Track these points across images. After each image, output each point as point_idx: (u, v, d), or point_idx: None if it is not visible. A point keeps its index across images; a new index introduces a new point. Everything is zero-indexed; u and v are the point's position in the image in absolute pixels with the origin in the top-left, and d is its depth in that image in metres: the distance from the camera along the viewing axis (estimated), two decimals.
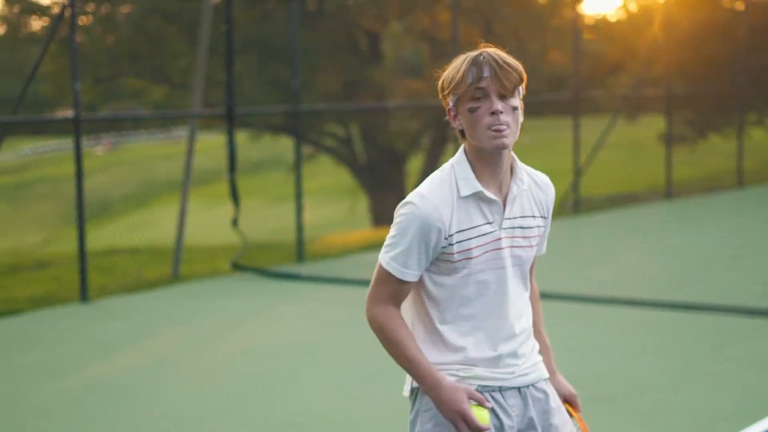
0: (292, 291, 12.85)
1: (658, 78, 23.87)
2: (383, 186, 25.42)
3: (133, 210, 34.30)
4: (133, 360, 9.68)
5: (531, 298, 3.93)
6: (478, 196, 3.64)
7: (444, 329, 3.70)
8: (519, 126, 3.59)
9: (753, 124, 27.26)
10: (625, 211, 20.42)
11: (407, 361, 3.64)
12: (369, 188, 26.32)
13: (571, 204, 20.16)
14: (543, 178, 3.83)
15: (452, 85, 3.61)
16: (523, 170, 3.76)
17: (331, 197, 31.61)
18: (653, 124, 27.38)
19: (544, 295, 11.80)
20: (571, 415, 3.96)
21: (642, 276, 13.38)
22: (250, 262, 14.39)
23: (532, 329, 3.88)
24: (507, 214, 3.68)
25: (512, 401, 3.74)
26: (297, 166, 15.30)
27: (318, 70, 21.63)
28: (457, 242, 3.62)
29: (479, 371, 3.68)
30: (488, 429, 3.60)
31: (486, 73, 3.53)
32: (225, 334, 10.61)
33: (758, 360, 9.22)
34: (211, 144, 31.10)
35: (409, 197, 3.65)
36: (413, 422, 3.77)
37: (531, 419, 3.75)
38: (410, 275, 3.66)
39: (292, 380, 8.87)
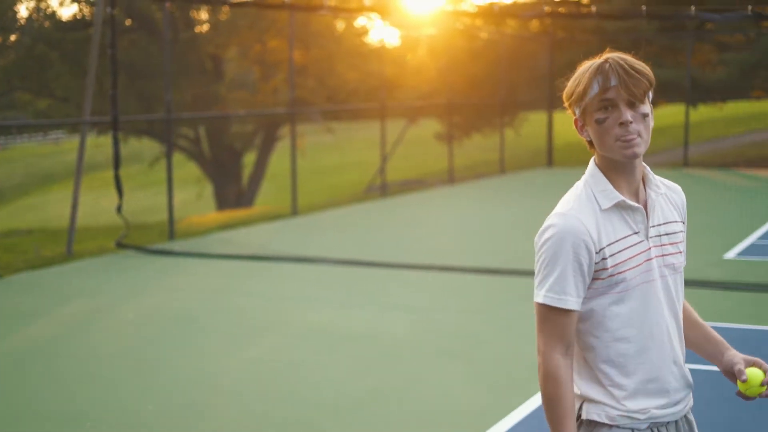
0: (168, 265, 12.03)
1: (431, 91, 24.18)
2: (225, 176, 25.43)
3: (22, 197, 32.73)
4: (43, 329, 8.79)
5: (690, 307, 2.99)
6: (620, 206, 2.71)
7: (603, 366, 2.74)
8: (650, 132, 2.72)
9: (507, 126, 27.46)
10: (420, 193, 20.14)
11: (565, 426, 2.67)
12: (213, 178, 26.05)
13: (379, 187, 19.93)
14: (674, 185, 2.92)
15: (576, 96, 2.71)
16: (655, 176, 2.85)
17: (182, 186, 30.92)
18: (430, 126, 27.40)
19: (373, 265, 11.51)
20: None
21: (446, 246, 13.07)
22: (131, 241, 13.53)
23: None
24: (651, 222, 2.75)
25: None
26: (168, 161, 14.53)
27: (175, 87, 21.09)
28: (610, 256, 2.68)
29: (654, 411, 2.75)
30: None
31: (613, 82, 2.64)
32: (119, 303, 9.74)
33: None
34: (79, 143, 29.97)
35: (548, 221, 2.71)
36: None
37: None
38: (572, 302, 2.67)
39: (181, 343, 8.14)
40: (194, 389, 6.80)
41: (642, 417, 2.73)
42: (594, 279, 2.70)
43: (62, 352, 7.94)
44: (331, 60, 23.64)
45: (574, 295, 2.68)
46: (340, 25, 25.09)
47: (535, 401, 6.32)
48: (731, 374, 2.86)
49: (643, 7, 12.06)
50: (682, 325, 2.85)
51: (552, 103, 26.59)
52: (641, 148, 2.67)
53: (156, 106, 19.81)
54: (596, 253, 2.68)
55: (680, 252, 2.81)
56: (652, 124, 2.72)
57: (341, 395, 6.61)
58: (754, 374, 2.75)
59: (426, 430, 5.92)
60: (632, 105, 2.67)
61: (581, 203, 2.73)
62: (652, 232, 2.76)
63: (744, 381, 2.78)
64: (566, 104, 2.79)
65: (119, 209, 13.47)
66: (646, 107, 2.69)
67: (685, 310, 2.93)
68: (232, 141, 24.73)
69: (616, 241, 2.70)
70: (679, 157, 25.70)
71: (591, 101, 2.69)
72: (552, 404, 2.68)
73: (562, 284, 2.67)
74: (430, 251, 12.48)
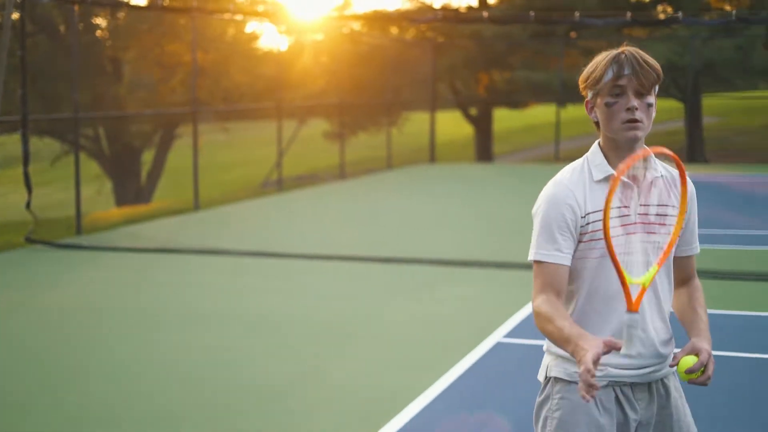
0: (77, 259, 11.64)
1: (320, 93, 24.20)
2: (124, 173, 24.85)
3: None
4: None
5: (694, 293, 2.99)
6: (611, 180, 2.78)
7: (581, 321, 2.82)
8: (652, 120, 2.82)
9: (392, 125, 27.54)
10: (314, 188, 20.00)
11: (558, 332, 2.67)
12: (112, 175, 25.45)
13: (275, 182, 19.76)
14: (688, 182, 2.89)
15: (591, 81, 2.82)
16: (658, 162, 2.92)
17: (82, 183, 30.05)
18: (318, 126, 27.30)
19: (278, 255, 11.37)
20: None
21: (343, 237, 13.01)
22: (40, 237, 13.07)
23: (667, 324, 2.93)
24: (642, 201, 2.83)
25: (640, 395, 2.89)
26: (76, 158, 14.13)
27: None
28: (593, 222, 2.78)
29: (611, 369, 2.81)
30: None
31: (626, 71, 2.75)
32: (32, 297, 9.40)
33: (464, 297, 8.95)
34: None
35: (544, 189, 2.89)
36: (541, 406, 2.94)
37: (652, 415, 2.91)
38: (559, 257, 2.77)
39: (94, 334, 7.90)
40: (111, 380, 6.57)
41: (598, 374, 2.70)
42: (578, 241, 2.81)
43: None
44: (226, 63, 23.34)
45: (561, 251, 2.80)
46: (231, 31, 24.79)
47: (446, 380, 6.30)
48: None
49: (531, 13, 12.22)
50: (663, 300, 2.89)
51: (434, 103, 26.77)
52: (642, 133, 2.79)
53: (59, 106, 19.22)
54: (582, 217, 2.80)
55: (669, 234, 2.83)
56: (654, 114, 2.82)
57: (259, 379, 6.49)
58: (684, 361, 2.75)
59: (342, 412, 5.84)
60: (639, 94, 2.78)
61: (575, 173, 2.88)
62: (642, 209, 2.83)
63: (672, 365, 2.80)
64: (581, 86, 2.90)
65: (28, 205, 13.02)
66: (651, 98, 2.81)
67: (691, 294, 2.99)
68: (131, 140, 24.17)
69: (602, 210, 2.74)
70: (550, 152, 26.15)
71: (604, 86, 2.80)
72: (551, 335, 2.73)
73: (551, 242, 2.80)
74: (328, 241, 12.41)
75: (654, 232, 2.83)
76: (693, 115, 26.68)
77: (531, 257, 2.85)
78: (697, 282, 3.05)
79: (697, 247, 3.02)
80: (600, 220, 2.77)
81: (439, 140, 26.96)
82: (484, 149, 30.17)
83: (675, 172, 2.91)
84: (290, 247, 11.88)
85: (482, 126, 30.34)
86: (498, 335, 7.41)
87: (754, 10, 25.53)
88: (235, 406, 5.92)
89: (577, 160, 2.93)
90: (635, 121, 2.77)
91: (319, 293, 9.30)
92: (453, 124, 31.95)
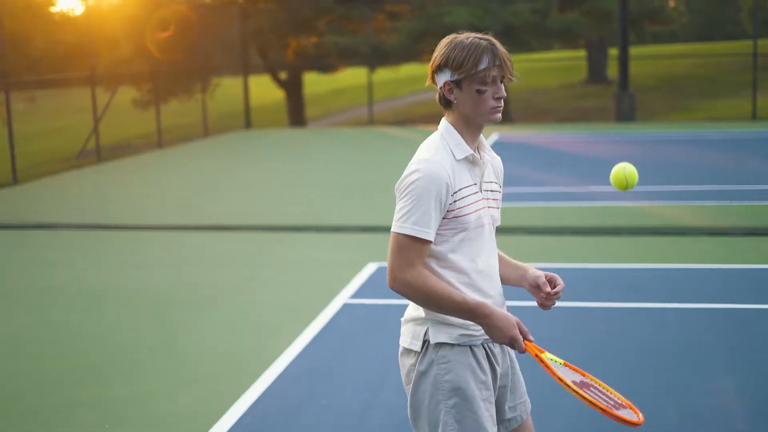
0: None
1: (128, 59, 23.69)
2: None
3: None
4: None
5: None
6: (468, 160, 3.06)
7: (453, 287, 3.04)
8: None
9: (202, 91, 27.25)
10: (132, 158, 19.61)
11: (456, 305, 2.94)
12: None
13: (93, 152, 19.31)
14: (495, 155, 3.24)
15: (461, 65, 2.98)
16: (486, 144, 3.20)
17: None
18: (127, 93, 26.66)
19: (108, 227, 11.22)
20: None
21: (166, 207, 12.93)
22: None
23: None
24: (485, 178, 3.12)
25: (498, 350, 3.17)
26: None
27: None
28: (459, 199, 3.00)
29: (478, 329, 3.06)
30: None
31: (497, 63, 2.97)
32: None
33: (302, 260, 9.13)
34: None
35: (414, 165, 2.99)
36: (425, 373, 3.07)
37: (507, 367, 3.21)
38: (431, 234, 2.97)
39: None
40: None
41: (477, 334, 3.06)
42: (444, 217, 3.01)
43: None
44: (26, 32, 22.41)
45: (432, 228, 2.98)
46: None
47: (297, 345, 6.49)
48: (537, 287, 3.21)
49: None
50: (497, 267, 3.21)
51: (246, 68, 26.65)
52: (500, 115, 3.06)
53: None
54: (452, 195, 2.99)
55: (497, 208, 3.18)
56: None
57: (111, 349, 6.50)
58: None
59: (199, 375, 5.95)
60: (501, 83, 3.03)
61: (440, 152, 3.03)
62: (485, 186, 3.12)
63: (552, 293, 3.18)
64: (441, 66, 3.03)
65: None
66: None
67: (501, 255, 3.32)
68: None
69: (464, 187, 3.03)
70: (363, 115, 26.55)
71: (477, 74, 2.98)
72: (433, 297, 2.96)
73: (426, 219, 2.96)
74: (155, 211, 12.31)
75: (491, 207, 3.15)
76: None
77: (403, 231, 2.97)
78: None
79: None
80: (464, 197, 3.01)
81: (253, 105, 26.88)
82: (296, 114, 30.30)
83: (494, 154, 3.25)
84: (114, 218, 11.74)
85: (293, 90, 30.44)
86: (344, 296, 7.66)
87: None
88: (101, 375, 5.93)
89: (431, 138, 3.10)
90: (500, 108, 3.05)
91: (156, 263, 9.28)
92: (264, 89, 31.88)
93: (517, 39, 28.13)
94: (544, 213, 11.20)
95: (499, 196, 3.21)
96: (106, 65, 23.95)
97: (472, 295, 3.05)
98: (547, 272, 3.22)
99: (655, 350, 6.16)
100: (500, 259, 3.30)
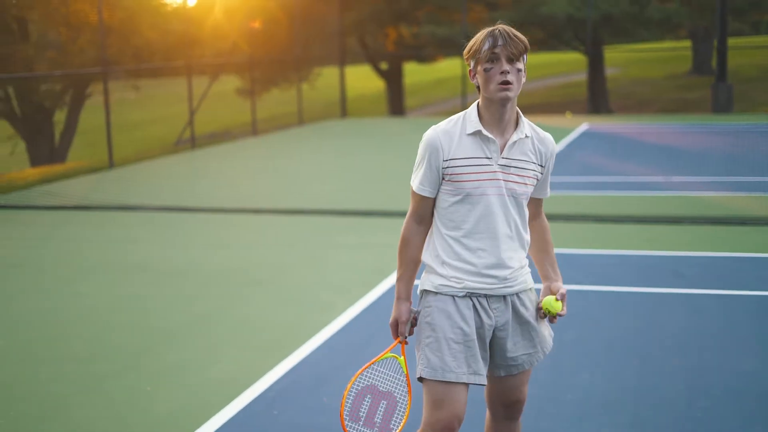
0: None
1: (232, 49, 24.36)
2: (36, 133, 24.74)
3: None
4: None
5: (542, 230, 3.70)
6: (478, 134, 3.42)
7: (444, 243, 3.49)
8: (521, 84, 3.41)
9: (303, 80, 27.85)
10: (226, 145, 20.34)
11: (397, 270, 3.60)
12: (25, 135, 25.30)
13: (188, 140, 20.03)
14: (545, 135, 3.56)
15: (472, 51, 3.43)
16: (527, 124, 3.52)
17: None
18: (230, 82, 27.46)
19: (190, 210, 11.82)
20: (550, 315, 3.61)
21: (255, 191, 13.47)
22: None
23: (523, 251, 3.58)
24: (504, 154, 3.44)
25: (495, 305, 3.51)
26: None
27: None
28: (454, 166, 3.41)
29: (468, 282, 3.46)
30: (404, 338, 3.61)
31: (500, 42, 3.35)
32: None
33: (361, 244, 9.54)
34: None
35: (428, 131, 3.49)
36: (418, 314, 3.61)
37: (507, 320, 3.55)
38: (425, 191, 3.48)
39: (17, 285, 8.32)
40: (37, 324, 7.03)
41: (457, 285, 3.48)
42: (446, 181, 3.46)
43: None
44: (133, 21, 23.34)
45: (427, 186, 3.49)
46: None
47: (341, 320, 6.88)
48: (548, 291, 3.69)
49: None
50: (516, 234, 3.54)
51: (344, 58, 27.15)
52: (513, 93, 3.38)
53: None
54: (444, 160, 3.43)
55: (525, 184, 3.50)
56: (524, 79, 3.43)
57: (170, 321, 7.00)
58: (548, 302, 3.58)
59: (252, 344, 6.39)
60: (510, 61, 3.38)
61: (450, 123, 3.50)
62: (503, 161, 3.46)
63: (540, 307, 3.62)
64: (465, 57, 3.51)
65: None
66: (521, 65, 3.40)
67: (542, 236, 3.73)
68: (41, 99, 24.09)
69: (464, 158, 3.43)
70: (458, 105, 26.78)
71: (482, 54, 3.39)
72: (399, 254, 3.60)
73: (422, 178, 3.49)
74: (240, 195, 12.87)
75: (513, 181, 3.46)
76: (595, 67, 27.48)
77: (411, 184, 3.54)
78: (545, 220, 3.74)
79: (548, 191, 3.67)
80: (462, 166, 3.41)
81: (350, 95, 27.37)
82: (396, 103, 30.72)
83: (542, 134, 3.55)
84: (200, 202, 12.33)
85: (393, 80, 30.86)
86: (393, 278, 8.01)
87: None
88: (150, 346, 6.44)
89: (459, 113, 3.54)
90: (507, 83, 3.35)
91: (224, 244, 9.79)
92: (364, 79, 32.38)
93: (618, 28, 27.93)
94: (640, 202, 11.34)
95: (530, 174, 3.51)
96: (208, 55, 24.75)
97: (455, 248, 3.48)
98: (563, 291, 3.64)
99: None
100: (542, 249, 3.74)
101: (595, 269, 8.16)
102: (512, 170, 3.46)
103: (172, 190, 13.77)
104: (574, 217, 10.42)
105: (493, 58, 3.36)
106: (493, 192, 3.44)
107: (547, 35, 28.21)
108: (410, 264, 3.57)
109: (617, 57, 33.77)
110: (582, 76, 28.97)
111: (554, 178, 13.49)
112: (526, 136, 3.48)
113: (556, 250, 8.85)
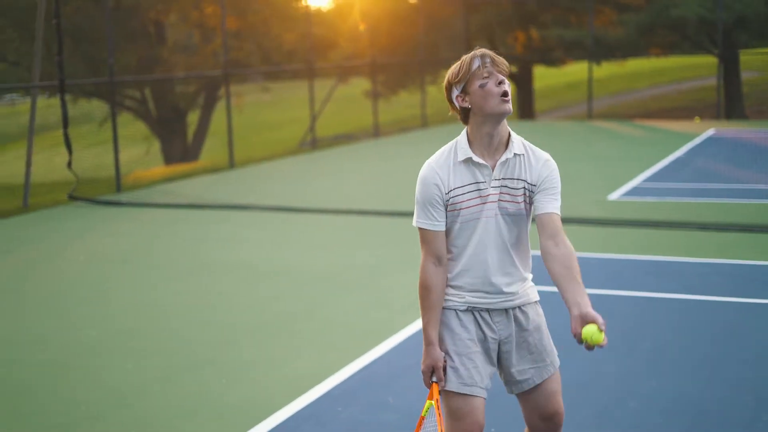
0: (114, 213, 12.54)
1: (361, 51, 24.68)
2: (170, 134, 25.65)
3: None
4: (3, 268, 9.34)
5: (563, 258, 3.39)
6: (470, 161, 3.46)
7: (450, 265, 3.56)
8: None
9: (429, 83, 28.03)
10: (347, 146, 20.69)
11: (423, 316, 3.57)
12: (160, 136, 26.28)
13: (310, 142, 20.44)
14: (542, 154, 3.56)
15: (461, 74, 3.46)
16: (520, 143, 3.55)
17: (131, 143, 31.08)
18: (359, 84, 27.86)
19: (300, 210, 12.13)
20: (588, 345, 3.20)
21: (367, 193, 13.70)
22: (82, 194, 14.00)
23: (524, 266, 3.60)
24: (495, 175, 3.47)
25: (497, 318, 3.60)
26: (113, 120, 15.01)
27: (120, 51, 21.33)
28: (454, 196, 3.47)
29: (468, 297, 3.56)
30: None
31: (488, 61, 3.41)
32: (70, 247, 10.31)
33: None
34: (39, 104, 29.89)
35: (421, 169, 3.55)
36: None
37: (510, 333, 3.62)
38: (434, 226, 3.51)
39: (121, 279, 8.75)
40: (131, 317, 7.41)
41: (459, 300, 3.57)
42: (448, 211, 3.51)
43: (20, 288, 8.52)
44: (265, 24, 23.96)
45: (434, 220, 3.51)
46: None
47: (420, 322, 7.01)
48: (579, 318, 3.24)
49: None
50: (513, 253, 3.55)
51: None
52: (511, 106, 3.42)
53: (102, 68, 20.03)
54: (446, 193, 3.49)
55: (517, 202, 3.50)
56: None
57: (256, 319, 7.26)
58: (589, 332, 3.19)
59: (331, 343, 6.59)
60: (501, 79, 3.43)
61: (442, 156, 3.54)
62: (495, 183, 3.49)
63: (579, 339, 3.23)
64: (452, 84, 3.49)
65: (69, 164, 13.92)
66: (507, 85, 3.43)
67: (565, 264, 3.38)
68: (176, 101, 25.02)
69: (461, 186, 3.48)
70: (583, 110, 26.49)
71: (474, 73, 3.43)
72: (421, 300, 3.59)
73: (425, 213, 3.52)
74: (352, 197, 13.12)
75: (505, 201, 3.47)
76: (729, 70, 26.68)
77: (415, 224, 3.56)
78: (567, 242, 3.42)
79: (552, 207, 3.47)
80: (461, 195, 3.45)
81: None
82: (526, 106, 30.58)
83: (539, 153, 3.53)
84: (309, 202, 12.62)
85: (523, 83, 30.73)
86: None
87: None
88: (235, 341, 6.70)
89: (449, 143, 3.57)
90: (507, 94, 3.40)
91: (329, 245, 10.02)
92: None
93: (754, 31, 27.06)
94: (719, 209, 11.10)
95: (520, 192, 3.49)
96: (333, 59, 25.16)
97: (453, 267, 3.56)
98: (600, 319, 3.24)
99: None
100: (566, 279, 3.36)
101: (690, 278, 8.03)
102: (504, 190, 3.49)
103: (284, 191, 14.13)
104: (677, 224, 10.25)
105: (486, 74, 3.39)
106: (488, 214, 3.48)
107: (680, 37, 27.56)
108: (436, 308, 3.56)
109: (754, 60, 32.72)
110: (713, 80, 28.22)
111: (662, 183, 13.27)
112: (515, 155, 3.49)
113: (654, 258, 8.77)
